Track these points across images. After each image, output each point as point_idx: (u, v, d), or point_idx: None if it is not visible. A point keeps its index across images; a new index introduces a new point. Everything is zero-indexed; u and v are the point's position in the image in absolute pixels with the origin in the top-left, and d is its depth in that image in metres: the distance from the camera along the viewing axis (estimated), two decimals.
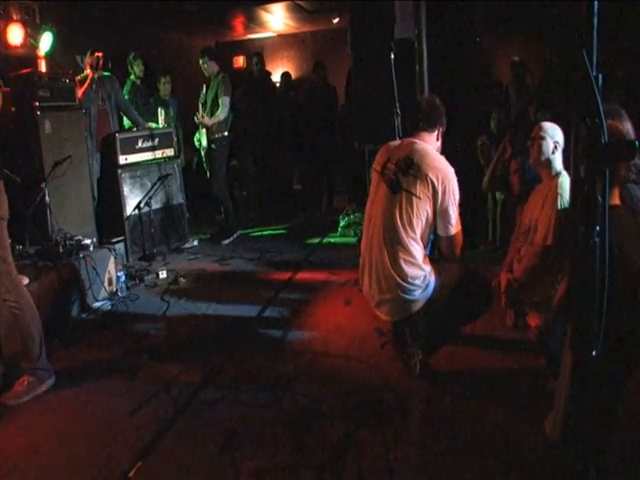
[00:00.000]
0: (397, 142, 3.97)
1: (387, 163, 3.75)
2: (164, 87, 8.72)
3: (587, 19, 1.37)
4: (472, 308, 3.71)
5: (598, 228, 1.32)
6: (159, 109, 7.98)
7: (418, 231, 3.59)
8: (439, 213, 3.62)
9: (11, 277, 3.64)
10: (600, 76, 1.33)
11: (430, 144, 3.80)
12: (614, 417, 2.42)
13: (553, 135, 3.91)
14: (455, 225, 3.68)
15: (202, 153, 7.82)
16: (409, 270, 3.56)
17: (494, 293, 3.76)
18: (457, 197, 3.64)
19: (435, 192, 3.56)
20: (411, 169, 3.60)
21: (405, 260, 3.56)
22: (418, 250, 3.60)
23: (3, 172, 3.82)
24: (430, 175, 3.55)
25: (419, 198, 3.56)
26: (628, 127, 2.79)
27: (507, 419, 3.25)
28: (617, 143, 1.34)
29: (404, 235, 3.56)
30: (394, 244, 3.58)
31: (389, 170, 3.70)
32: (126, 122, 7.77)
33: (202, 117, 7.41)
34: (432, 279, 3.61)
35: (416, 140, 3.78)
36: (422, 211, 3.57)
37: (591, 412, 1.50)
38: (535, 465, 2.84)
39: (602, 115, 1.31)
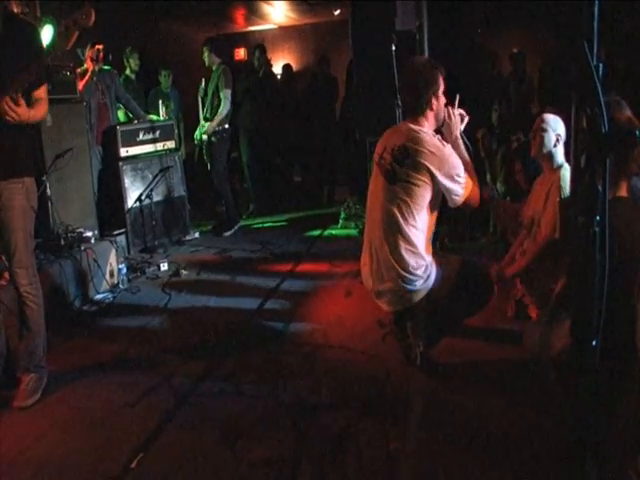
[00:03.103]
0: (394, 128, 3.86)
1: (383, 153, 3.69)
2: (165, 80, 8.81)
3: (588, 8, 1.36)
4: (473, 301, 3.69)
5: (598, 218, 1.32)
6: (160, 101, 7.99)
7: (419, 219, 3.54)
8: (444, 190, 3.56)
9: (34, 270, 3.64)
10: (600, 66, 1.33)
11: (427, 122, 3.67)
12: (615, 410, 2.42)
13: (555, 128, 3.89)
14: (462, 195, 3.59)
15: (203, 146, 7.83)
16: (410, 259, 3.52)
17: (494, 287, 3.75)
18: (457, 169, 3.54)
19: (433, 176, 3.48)
20: (407, 159, 3.53)
21: (406, 249, 3.53)
22: (420, 239, 3.57)
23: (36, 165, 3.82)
24: (426, 163, 3.48)
25: (418, 186, 3.51)
26: (630, 116, 2.80)
27: (508, 411, 3.26)
28: (618, 132, 1.34)
29: (404, 225, 3.52)
30: (395, 234, 3.54)
31: (385, 160, 3.64)
32: (122, 115, 7.78)
33: (205, 133, 7.52)
34: (433, 270, 3.58)
35: (411, 124, 3.66)
36: (422, 199, 3.53)
37: (591, 405, 1.50)
38: (534, 456, 2.85)
39: (602, 104, 1.31)
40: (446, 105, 3.73)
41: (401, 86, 3.76)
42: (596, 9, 1.32)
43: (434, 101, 3.65)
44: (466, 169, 3.65)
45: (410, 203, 3.52)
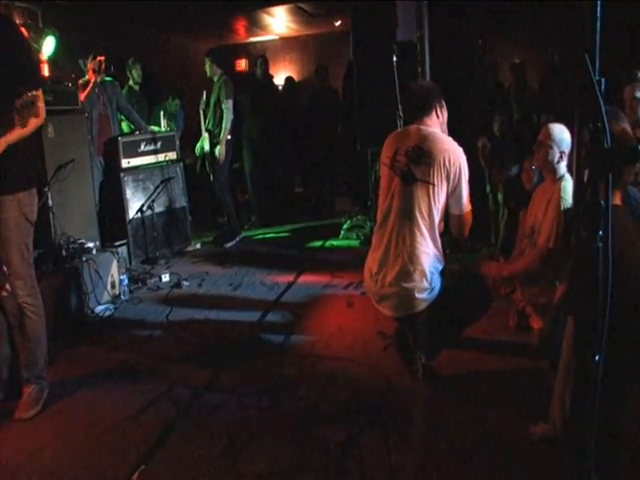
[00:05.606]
0: (402, 131, 3.89)
1: (396, 155, 3.68)
2: (172, 103, 8.96)
3: (590, 22, 1.36)
4: (473, 311, 3.69)
5: (601, 232, 1.32)
6: (162, 112, 8.02)
7: (437, 219, 3.56)
8: (451, 193, 3.59)
9: (33, 281, 3.64)
10: (603, 80, 1.33)
11: (434, 126, 3.72)
12: (619, 422, 2.42)
13: (560, 144, 3.87)
14: (466, 204, 3.66)
15: (205, 157, 7.84)
16: (426, 262, 3.52)
17: (492, 296, 3.75)
18: (467, 176, 3.61)
19: (448, 174, 3.52)
20: (423, 157, 3.55)
21: (424, 252, 3.52)
22: (437, 241, 3.59)
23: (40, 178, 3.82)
24: (441, 159, 3.51)
25: (434, 185, 3.52)
26: (627, 128, 2.80)
27: (510, 422, 3.24)
28: (620, 148, 1.34)
29: (423, 226, 3.53)
30: (413, 235, 3.53)
31: (400, 162, 3.63)
32: (125, 127, 7.80)
33: (220, 155, 7.55)
34: (438, 282, 3.58)
35: (421, 126, 3.70)
36: (439, 197, 3.55)
37: (595, 416, 1.49)
38: (537, 469, 2.84)
39: (605, 119, 1.31)
40: None
41: (409, 92, 3.79)
42: (598, 24, 1.32)
43: (439, 109, 3.74)
44: None
45: (429, 203, 3.53)
